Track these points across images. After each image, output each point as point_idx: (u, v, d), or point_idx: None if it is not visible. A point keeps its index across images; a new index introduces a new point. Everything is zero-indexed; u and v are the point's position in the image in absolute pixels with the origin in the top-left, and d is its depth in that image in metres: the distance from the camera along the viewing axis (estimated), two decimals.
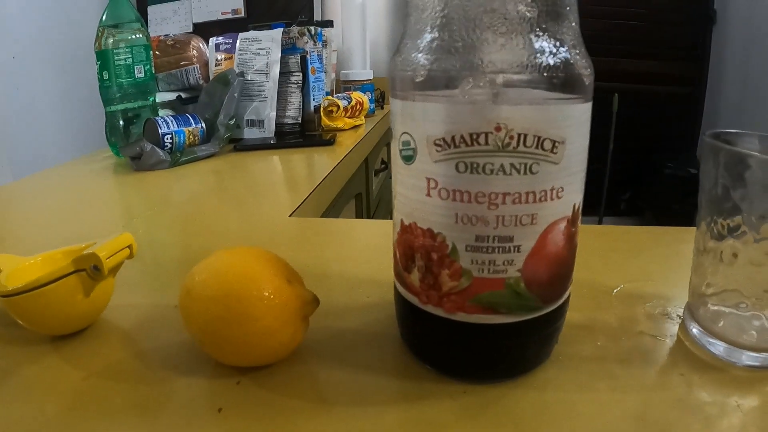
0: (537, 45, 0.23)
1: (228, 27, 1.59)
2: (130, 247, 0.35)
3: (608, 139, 2.48)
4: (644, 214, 2.80)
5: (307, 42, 1.11)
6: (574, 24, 0.24)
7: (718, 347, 0.30)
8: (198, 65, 1.21)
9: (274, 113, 1.07)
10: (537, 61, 0.23)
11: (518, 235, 0.25)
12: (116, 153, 0.94)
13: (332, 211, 0.83)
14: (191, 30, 1.82)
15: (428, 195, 0.25)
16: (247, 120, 1.08)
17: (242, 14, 1.82)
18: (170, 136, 0.89)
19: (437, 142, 0.24)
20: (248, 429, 0.26)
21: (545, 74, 0.23)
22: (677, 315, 0.35)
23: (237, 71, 1.07)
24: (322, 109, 1.15)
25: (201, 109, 1.03)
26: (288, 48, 1.11)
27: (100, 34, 0.89)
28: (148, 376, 0.30)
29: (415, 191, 0.26)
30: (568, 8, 0.24)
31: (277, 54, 1.08)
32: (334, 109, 1.16)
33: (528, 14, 0.23)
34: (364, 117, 1.31)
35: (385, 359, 0.31)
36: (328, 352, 0.32)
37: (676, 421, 0.25)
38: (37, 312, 0.33)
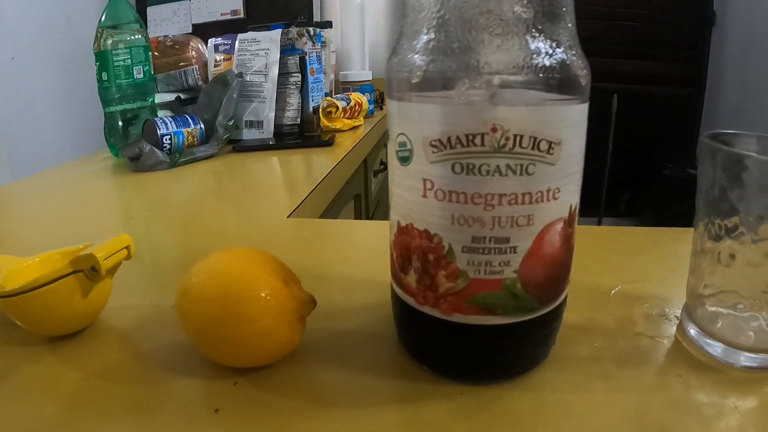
0: (533, 46, 0.23)
1: (227, 28, 1.59)
2: (127, 248, 0.35)
3: (607, 139, 2.48)
4: (644, 215, 2.80)
5: (306, 43, 1.11)
6: (570, 25, 0.24)
7: (716, 348, 0.30)
8: (197, 66, 1.22)
9: (273, 114, 1.07)
10: (533, 62, 0.23)
11: (514, 236, 0.25)
12: (115, 154, 0.94)
13: (331, 212, 0.83)
14: (191, 31, 1.82)
15: (424, 196, 0.25)
16: (246, 121, 1.08)
17: (241, 15, 1.82)
18: (169, 136, 0.89)
19: (433, 143, 0.24)
20: (245, 430, 0.26)
21: (541, 75, 0.23)
22: (675, 316, 0.35)
23: (236, 72, 1.07)
24: (320, 110, 1.15)
25: (200, 110, 1.03)
26: (287, 49, 1.11)
27: (99, 35, 0.89)
28: (145, 376, 0.30)
29: (412, 192, 0.26)
30: (564, 9, 0.24)
31: (275, 55, 1.08)
32: (333, 110, 1.16)
33: (524, 15, 0.23)
34: (363, 118, 1.31)
35: (383, 360, 0.31)
36: (326, 352, 0.32)
37: (674, 422, 0.25)
38: (35, 313, 0.33)
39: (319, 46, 1.17)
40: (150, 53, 0.95)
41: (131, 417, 0.27)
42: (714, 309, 0.31)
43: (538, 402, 0.27)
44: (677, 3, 2.66)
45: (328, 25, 1.40)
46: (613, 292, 0.38)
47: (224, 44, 1.18)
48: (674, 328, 0.34)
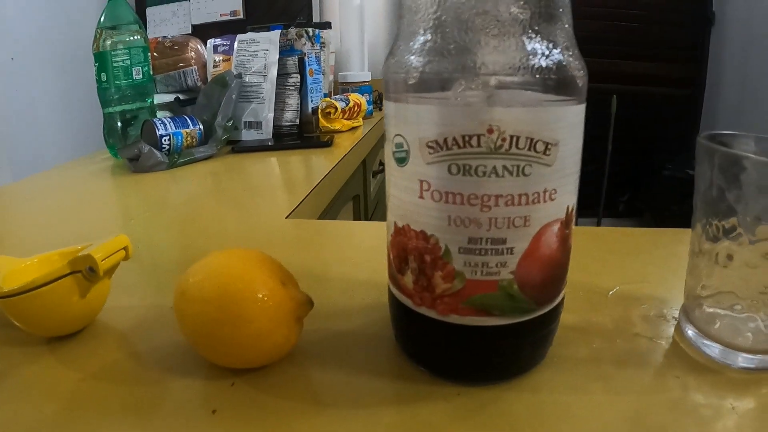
0: (529, 47, 0.23)
1: (227, 28, 1.60)
2: (125, 248, 0.35)
3: (607, 140, 2.48)
4: (643, 216, 2.80)
5: (305, 44, 1.11)
6: (567, 26, 0.24)
7: (714, 349, 0.30)
8: (196, 67, 1.22)
9: (272, 115, 1.07)
10: (529, 62, 0.23)
11: (511, 237, 0.25)
12: (114, 154, 0.94)
13: (330, 212, 0.83)
14: (190, 31, 1.82)
15: (421, 197, 0.25)
16: (245, 122, 1.08)
17: (241, 16, 1.82)
18: (168, 137, 0.89)
19: (430, 144, 0.24)
20: (242, 430, 0.26)
21: (538, 76, 0.23)
22: (673, 317, 0.35)
23: (235, 73, 1.07)
24: (319, 110, 1.15)
25: (199, 110, 1.03)
26: (286, 50, 1.11)
27: (98, 35, 0.89)
28: (143, 377, 0.30)
29: (408, 193, 0.26)
30: (560, 10, 0.24)
31: (274, 56, 1.08)
32: (332, 110, 1.16)
33: (520, 16, 0.23)
34: (362, 119, 1.31)
35: (380, 361, 0.31)
36: (323, 353, 0.32)
37: (671, 423, 0.25)
38: (33, 313, 0.33)
39: (318, 47, 1.17)
40: (149, 54, 0.95)
41: (129, 417, 0.27)
42: (712, 310, 0.31)
43: (536, 403, 0.27)
44: (676, 3, 2.66)
45: (327, 25, 1.40)
46: (611, 293, 0.38)
47: (223, 45, 1.18)
48: (672, 329, 0.34)
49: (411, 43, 0.25)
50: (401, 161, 0.26)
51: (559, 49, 0.24)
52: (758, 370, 0.29)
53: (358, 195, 1.15)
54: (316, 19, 1.80)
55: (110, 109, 0.92)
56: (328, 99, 1.18)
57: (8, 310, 0.33)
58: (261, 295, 0.28)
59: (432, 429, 0.25)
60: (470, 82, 0.23)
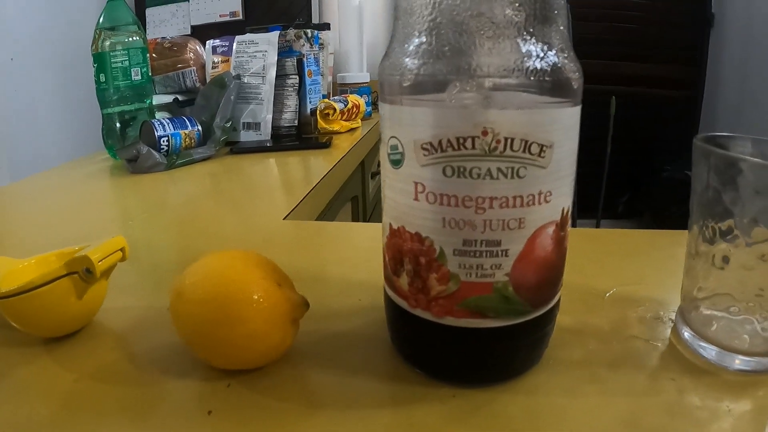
0: (524, 49, 0.23)
1: (226, 29, 1.60)
2: (122, 249, 0.35)
3: (606, 141, 2.48)
4: (642, 217, 2.80)
5: (304, 45, 1.11)
6: (562, 27, 0.24)
7: (710, 351, 0.30)
8: (195, 68, 1.22)
9: (271, 116, 1.07)
10: (524, 64, 0.23)
11: (506, 240, 0.25)
12: (113, 155, 0.94)
13: (328, 214, 0.83)
14: (189, 32, 1.82)
15: (416, 199, 0.25)
16: (244, 123, 1.08)
17: (240, 17, 1.82)
18: (166, 138, 0.89)
19: (424, 146, 0.24)
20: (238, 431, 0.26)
21: (532, 78, 0.23)
22: (669, 319, 0.35)
23: (233, 74, 1.07)
24: (318, 111, 1.15)
25: (197, 111, 1.03)
26: (284, 51, 1.11)
27: (96, 36, 0.89)
28: (139, 378, 0.30)
29: (403, 195, 0.26)
30: (555, 12, 0.24)
31: (273, 57, 1.08)
32: (331, 111, 1.17)
33: (515, 18, 0.23)
34: (361, 120, 1.32)
35: (375, 363, 0.31)
36: (319, 355, 0.32)
37: (667, 425, 0.25)
38: (30, 314, 0.33)
39: (317, 48, 1.17)
40: (148, 55, 0.95)
41: (125, 418, 0.27)
42: (708, 312, 0.31)
43: (531, 405, 0.27)
44: (676, 5, 2.66)
45: (326, 27, 1.40)
46: (608, 294, 0.38)
47: (222, 46, 1.18)
48: (669, 331, 0.33)
49: (406, 45, 0.25)
50: (396, 163, 0.26)
51: (554, 51, 0.24)
52: (755, 373, 0.29)
53: (357, 196, 1.15)
54: (315, 20, 1.80)
55: (109, 110, 0.92)
56: (326, 100, 1.18)
57: (5, 310, 0.33)
58: (256, 297, 0.28)
59: (427, 431, 0.25)
60: (465, 84, 0.23)
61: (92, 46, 0.90)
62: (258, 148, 1.01)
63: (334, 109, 1.16)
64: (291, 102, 1.12)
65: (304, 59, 1.12)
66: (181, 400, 0.28)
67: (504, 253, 0.25)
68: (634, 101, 2.66)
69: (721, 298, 0.30)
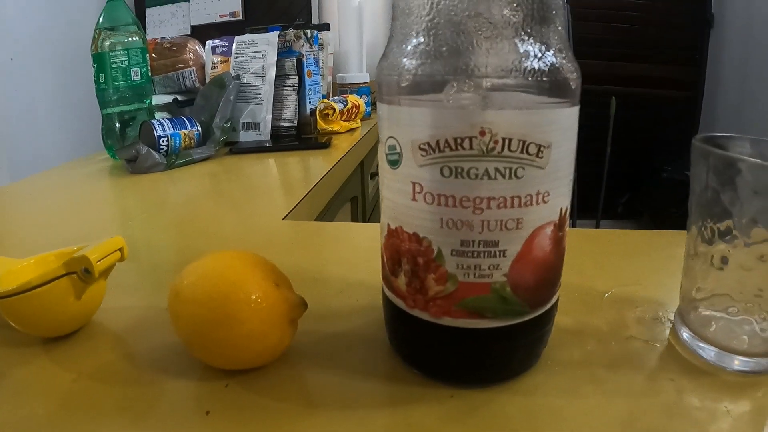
0: (522, 49, 0.23)
1: (226, 30, 1.60)
2: (121, 250, 0.35)
3: (606, 142, 2.48)
4: (642, 218, 2.80)
5: (303, 45, 1.11)
6: (560, 28, 0.24)
7: (709, 352, 0.30)
8: (194, 68, 1.22)
9: (270, 116, 1.07)
10: (522, 65, 0.23)
11: (504, 240, 0.25)
12: (112, 155, 0.94)
13: (327, 214, 0.83)
14: (189, 32, 1.82)
15: (414, 199, 0.25)
16: (243, 123, 1.08)
17: (240, 17, 1.82)
18: (166, 138, 0.89)
19: (422, 146, 0.24)
20: None
21: (530, 78, 0.23)
22: (668, 319, 0.35)
23: (233, 74, 1.07)
24: (318, 112, 1.15)
25: (197, 111, 1.03)
26: (284, 51, 1.11)
27: (96, 36, 0.89)
28: (137, 378, 0.30)
29: (401, 195, 0.26)
30: (553, 12, 0.24)
31: (273, 57, 1.08)
32: (330, 112, 1.16)
33: (513, 18, 0.23)
34: (360, 120, 1.32)
35: (373, 363, 0.31)
36: (317, 355, 0.32)
37: (666, 426, 0.25)
38: (28, 314, 0.33)
39: (317, 49, 1.17)
40: (147, 55, 0.95)
41: (123, 418, 0.27)
42: (707, 312, 0.31)
43: (529, 406, 0.27)
44: (676, 5, 2.66)
45: (325, 27, 1.40)
46: (606, 295, 0.38)
47: (221, 46, 1.18)
48: (667, 332, 0.33)
49: (404, 46, 0.25)
50: (394, 163, 0.26)
51: (552, 51, 0.24)
52: (753, 373, 0.29)
53: (356, 196, 1.15)
54: (314, 20, 1.80)
55: (108, 110, 0.92)
56: (326, 100, 1.18)
57: (4, 310, 0.33)
58: (254, 297, 0.28)
59: (425, 431, 0.25)
60: (462, 85, 0.23)
61: (92, 46, 0.90)
62: (257, 149, 1.01)
63: (334, 110, 1.16)
64: (290, 102, 1.12)
65: (304, 59, 1.12)
66: (179, 400, 0.28)
67: (502, 253, 0.25)
68: (634, 101, 2.66)
69: (720, 298, 0.30)
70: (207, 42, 1.22)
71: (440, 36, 0.23)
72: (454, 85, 0.23)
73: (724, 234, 0.28)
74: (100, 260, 0.33)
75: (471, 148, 0.23)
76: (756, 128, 2.19)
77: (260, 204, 0.68)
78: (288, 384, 0.29)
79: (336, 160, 0.90)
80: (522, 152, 0.23)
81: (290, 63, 1.11)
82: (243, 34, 1.15)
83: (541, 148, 0.23)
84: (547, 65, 0.23)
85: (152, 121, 0.90)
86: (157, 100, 1.08)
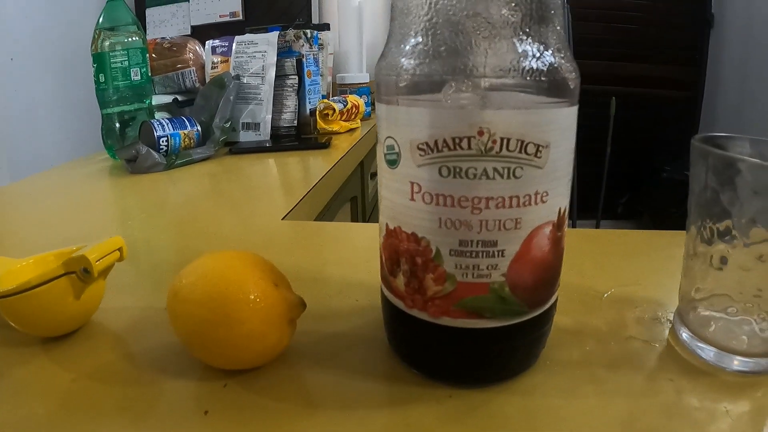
0: (520, 49, 0.23)
1: (226, 30, 1.60)
2: (120, 249, 0.35)
3: (606, 142, 2.48)
4: (642, 218, 2.80)
5: (303, 45, 1.11)
6: (558, 27, 0.24)
7: (708, 352, 0.30)
8: (194, 68, 1.22)
9: (270, 116, 1.07)
10: (520, 65, 0.23)
11: (502, 240, 0.24)
12: (112, 155, 0.94)
13: (327, 214, 0.83)
14: (189, 33, 1.82)
15: (412, 199, 0.25)
16: (243, 123, 1.08)
17: (240, 17, 1.82)
18: (166, 138, 0.89)
19: (420, 146, 0.24)
20: None
21: (529, 78, 0.23)
22: (667, 320, 0.35)
23: (233, 74, 1.07)
24: (317, 112, 1.15)
25: (197, 112, 1.03)
26: (284, 51, 1.11)
27: (96, 36, 0.89)
28: (136, 378, 0.30)
29: (400, 195, 0.26)
30: (552, 12, 0.24)
31: (273, 57, 1.08)
32: (330, 112, 1.16)
33: (511, 18, 0.23)
34: (360, 120, 1.32)
35: (372, 363, 0.31)
36: (315, 355, 0.32)
37: (665, 426, 0.25)
38: (27, 314, 0.33)
39: (317, 49, 1.17)
40: (147, 55, 0.95)
41: (122, 418, 0.27)
42: (706, 313, 0.31)
43: (528, 406, 0.27)
44: (676, 5, 2.66)
45: (325, 27, 1.40)
46: (606, 295, 0.38)
47: (221, 46, 1.18)
48: (667, 332, 0.33)
49: (402, 46, 0.25)
50: (392, 163, 0.26)
51: (550, 51, 0.24)
52: (753, 374, 0.29)
53: (356, 196, 1.15)
54: (314, 20, 1.80)
55: (108, 110, 0.92)
56: (326, 100, 1.18)
57: (3, 310, 0.33)
58: (253, 297, 0.28)
59: (423, 431, 0.25)
60: (461, 85, 0.23)
61: (92, 46, 0.90)
62: (257, 149, 1.01)
63: (334, 110, 1.16)
64: (290, 102, 1.12)
65: (304, 59, 1.12)
66: (178, 400, 0.28)
67: (500, 253, 0.25)
68: (634, 101, 2.66)
69: (719, 298, 0.30)
70: (207, 42, 1.22)
71: (438, 36, 0.23)
72: (453, 84, 0.23)
73: (723, 234, 0.28)
74: (99, 260, 0.33)
75: (469, 147, 0.23)
76: (756, 128, 2.19)
77: (260, 204, 0.68)
78: (287, 384, 0.29)
79: (336, 160, 0.90)
80: (520, 152, 0.23)
81: (290, 63, 1.11)
82: (243, 34, 1.15)
83: (540, 148, 0.23)
84: (545, 65, 0.23)
85: (152, 121, 0.90)
86: (157, 100, 1.08)
